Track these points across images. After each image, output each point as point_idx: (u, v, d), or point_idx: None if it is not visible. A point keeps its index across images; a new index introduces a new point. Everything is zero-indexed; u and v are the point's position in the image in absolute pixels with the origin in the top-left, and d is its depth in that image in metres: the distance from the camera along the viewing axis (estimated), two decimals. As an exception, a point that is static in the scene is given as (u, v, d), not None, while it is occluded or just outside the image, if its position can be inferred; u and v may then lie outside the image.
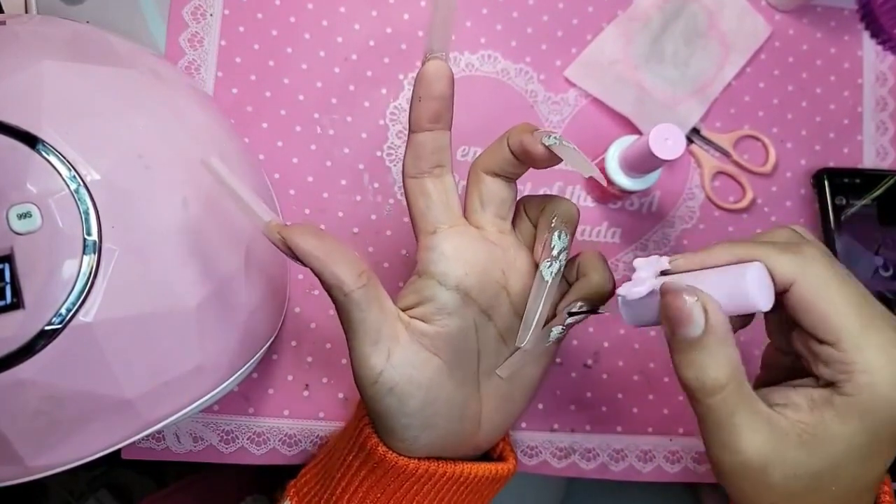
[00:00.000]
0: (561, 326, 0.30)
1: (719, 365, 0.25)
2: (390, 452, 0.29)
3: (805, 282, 0.25)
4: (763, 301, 0.24)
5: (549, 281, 0.28)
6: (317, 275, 0.26)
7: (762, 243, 0.26)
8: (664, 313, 0.26)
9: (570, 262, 0.31)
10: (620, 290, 0.27)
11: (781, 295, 0.26)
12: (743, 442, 0.25)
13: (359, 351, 0.27)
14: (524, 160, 0.28)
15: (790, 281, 0.25)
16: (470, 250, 0.29)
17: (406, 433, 0.29)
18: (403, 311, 0.29)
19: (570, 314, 0.30)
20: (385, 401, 0.28)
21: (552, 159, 0.27)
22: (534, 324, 0.28)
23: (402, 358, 0.28)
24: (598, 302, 0.30)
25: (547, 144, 0.27)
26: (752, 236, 0.29)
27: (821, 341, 0.25)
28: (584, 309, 0.30)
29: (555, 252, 0.28)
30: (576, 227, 0.30)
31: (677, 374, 0.27)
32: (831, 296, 0.25)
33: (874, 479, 0.26)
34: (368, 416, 0.30)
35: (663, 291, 0.26)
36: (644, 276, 0.27)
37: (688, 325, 0.25)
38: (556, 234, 0.29)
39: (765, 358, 0.32)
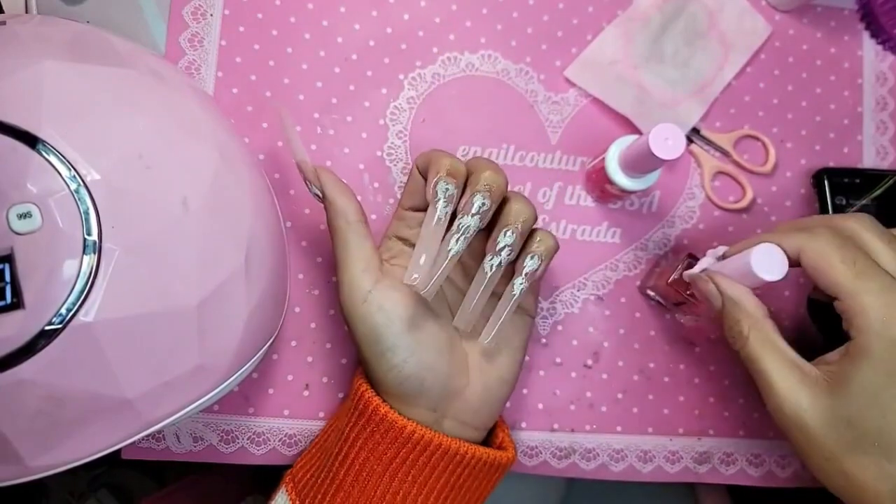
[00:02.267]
0: (521, 278, 0.33)
1: (739, 320, 0.32)
2: (391, 411, 0.32)
3: (807, 250, 0.31)
4: (767, 274, 0.31)
5: (489, 274, 0.32)
6: (329, 202, 0.33)
7: (787, 227, 0.33)
8: (699, 296, 0.35)
9: (530, 236, 0.33)
10: (686, 274, 0.36)
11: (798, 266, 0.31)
12: (776, 385, 0.31)
13: (351, 273, 0.33)
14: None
15: (797, 251, 0.31)
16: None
17: (395, 355, 0.32)
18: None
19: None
20: (375, 317, 0.32)
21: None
22: (470, 308, 0.32)
23: (387, 285, 0.33)
24: (546, 255, 0.33)
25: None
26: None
27: (833, 299, 0.30)
28: (539, 263, 0.33)
29: (498, 247, 0.31)
30: (529, 226, 0.32)
31: (725, 335, 0.34)
32: (828, 257, 0.30)
33: None
34: (359, 353, 0.34)
35: (692, 282, 0.36)
36: (704, 261, 0.36)
37: (712, 300, 0.34)
38: (503, 231, 0.31)
39: None
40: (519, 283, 0.32)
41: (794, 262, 0.32)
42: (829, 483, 0.30)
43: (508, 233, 0.31)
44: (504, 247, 0.31)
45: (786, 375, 0.30)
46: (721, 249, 0.36)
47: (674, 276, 0.38)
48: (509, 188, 0.33)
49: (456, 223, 0.31)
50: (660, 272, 0.41)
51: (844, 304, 0.29)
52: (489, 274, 0.32)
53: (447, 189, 0.31)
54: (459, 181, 0.31)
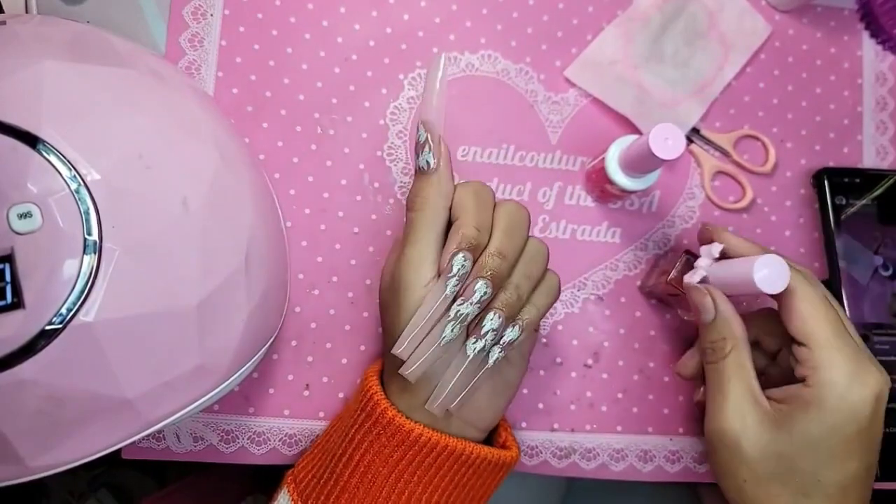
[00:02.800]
0: (498, 347, 0.31)
1: (725, 336, 0.34)
2: (399, 415, 0.31)
3: (799, 292, 0.32)
4: (768, 287, 0.31)
5: (470, 357, 0.31)
6: (439, 177, 0.32)
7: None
8: (691, 305, 0.36)
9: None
10: (686, 277, 0.37)
11: (780, 299, 0.33)
12: (730, 407, 0.33)
13: (422, 254, 0.31)
14: None
15: (790, 288, 0.32)
16: None
17: None
18: None
19: None
20: None
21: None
22: (445, 392, 0.31)
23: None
24: (529, 326, 0.32)
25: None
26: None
27: (799, 343, 0.32)
28: (519, 333, 0.31)
29: (483, 331, 0.30)
30: (515, 313, 0.31)
31: (700, 347, 0.36)
32: (818, 306, 0.32)
33: (833, 486, 0.31)
34: (391, 328, 0.32)
35: (686, 289, 0.36)
36: (702, 262, 0.36)
37: (704, 312, 0.34)
38: (490, 314, 0.30)
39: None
40: (495, 353, 0.31)
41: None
42: (736, 498, 0.33)
43: (495, 317, 0.30)
44: (489, 331, 0.30)
45: (743, 400, 0.33)
46: (717, 248, 0.36)
47: (673, 274, 0.38)
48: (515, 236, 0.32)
49: (454, 309, 0.30)
50: (659, 271, 0.41)
51: (814, 353, 0.31)
52: (470, 357, 0.31)
53: (463, 266, 0.30)
54: (477, 253, 0.31)
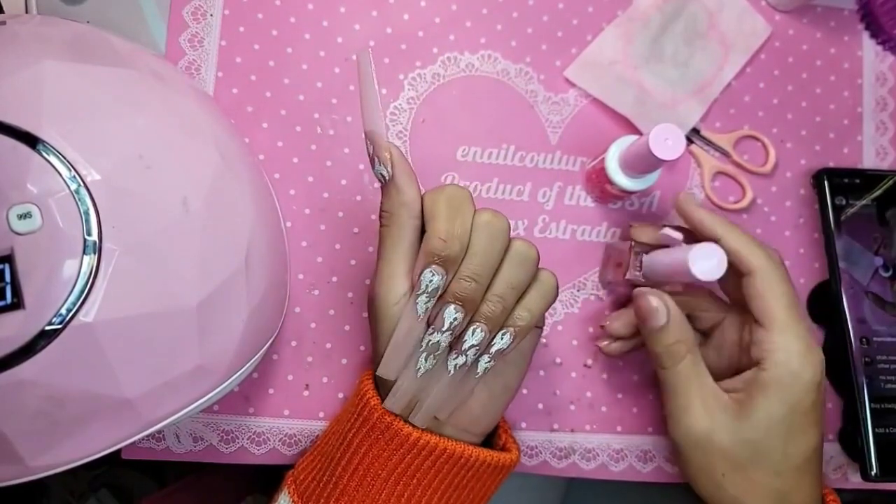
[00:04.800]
0: (487, 357, 0.31)
1: (680, 339, 0.34)
2: (396, 419, 0.31)
3: (763, 273, 0.33)
4: (701, 274, 0.32)
5: (452, 374, 0.30)
6: (397, 189, 0.31)
7: (741, 233, 0.35)
8: (636, 312, 0.35)
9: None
10: (636, 291, 0.36)
11: (741, 278, 0.34)
12: (694, 407, 0.34)
13: (393, 269, 0.31)
14: None
15: (751, 267, 0.33)
16: None
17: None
18: None
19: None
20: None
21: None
22: (425, 406, 0.31)
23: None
24: (521, 334, 0.31)
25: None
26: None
27: (757, 322, 0.34)
28: (511, 340, 0.31)
29: (464, 346, 0.30)
30: (497, 326, 0.30)
31: (653, 352, 0.35)
32: (775, 291, 0.33)
33: (800, 457, 0.33)
34: (374, 343, 0.32)
35: (634, 296, 0.36)
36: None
37: (657, 316, 0.34)
38: (472, 328, 0.30)
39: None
40: (484, 363, 0.31)
41: (735, 268, 0.34)
42: (715, 495, 0.34)
43: (477, 331, 0.30)
44: (471, 346, 0.30)
45: (705, 397, 0.34)
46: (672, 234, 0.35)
47: (630, 271, 0.37)
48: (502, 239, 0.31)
49: (425, 338, 0.30)
50: (614, 263, 0.40)
51: (770, 335, 0.33)
52: (452, 374, 0.30)
53: (432, 282, 0.29)
54: (449, 264, 0.29)
